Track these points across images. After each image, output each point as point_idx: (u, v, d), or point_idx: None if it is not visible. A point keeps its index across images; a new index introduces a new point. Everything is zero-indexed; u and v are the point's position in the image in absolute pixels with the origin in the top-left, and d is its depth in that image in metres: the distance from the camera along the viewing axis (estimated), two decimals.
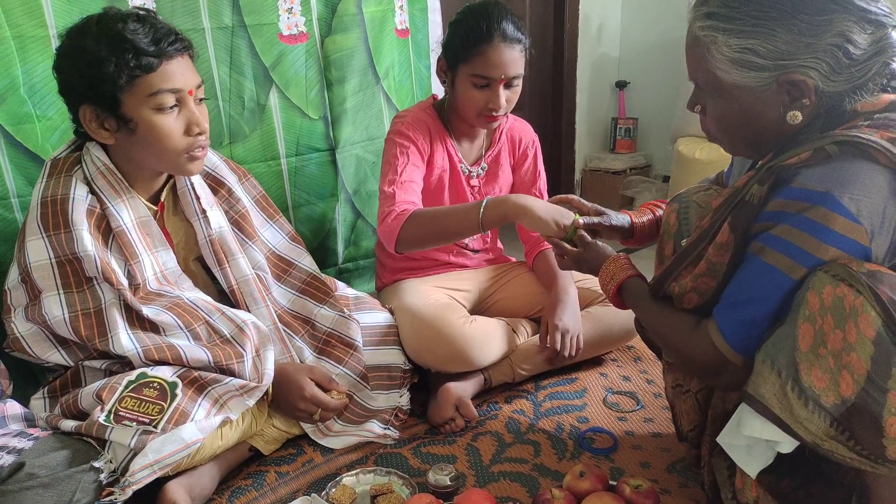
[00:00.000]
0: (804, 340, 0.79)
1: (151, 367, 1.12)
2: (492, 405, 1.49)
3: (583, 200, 1.37)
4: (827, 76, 0.85)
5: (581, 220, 1.28)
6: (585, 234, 1.25)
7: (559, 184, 3.34)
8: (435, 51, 2.21)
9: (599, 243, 1.24)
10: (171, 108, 1.15)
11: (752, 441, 0.85)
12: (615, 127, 3.40)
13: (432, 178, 1.60)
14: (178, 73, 1.15)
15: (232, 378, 1.16)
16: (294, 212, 1.94)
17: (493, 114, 1.49)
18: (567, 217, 1.28)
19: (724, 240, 0.93)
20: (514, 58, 1.45)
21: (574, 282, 1.67)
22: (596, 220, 1.31)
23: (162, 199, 1.30)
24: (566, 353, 1.48)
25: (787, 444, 0.82)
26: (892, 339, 0.73)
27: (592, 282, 1.67)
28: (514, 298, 1.71)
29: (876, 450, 0.75)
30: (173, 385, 1.10)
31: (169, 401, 1.08)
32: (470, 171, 1.65)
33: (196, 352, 1.15)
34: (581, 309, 1.63)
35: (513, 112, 1.76)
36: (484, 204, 1.30)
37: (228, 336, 1.20)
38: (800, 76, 0.86)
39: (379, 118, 2.06)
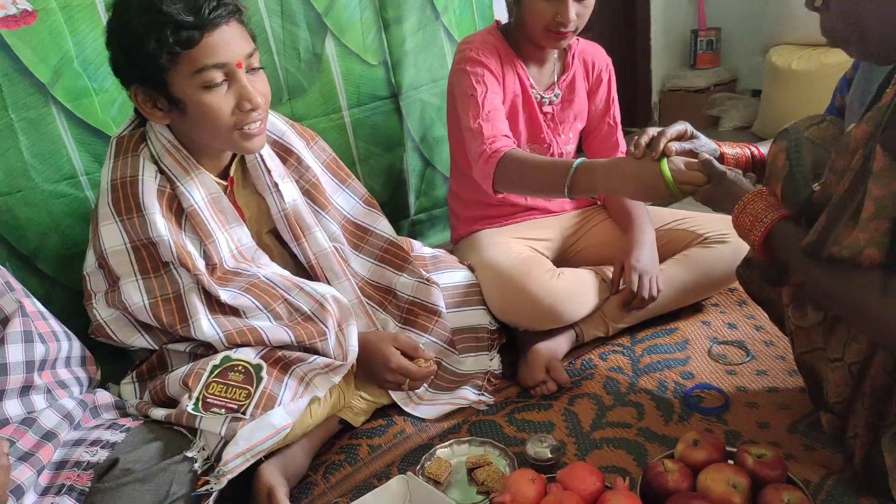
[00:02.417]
0: None
1: (234, 350, 1.08)
2: (586, 363, 1.40)
3: (655, 135, 1.13)
4: None
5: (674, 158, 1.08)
6: (715, 163, 1.05)
7: (636, 109, 3.10)
8: None
9: (732, 174, 1.03)
10: (221, 83, 1.05)
11: None
12: (695, 40, 3.11)
13: (505, 104, 1.48)
14: (222, 44, 1.03)
15: (316, 356, 1.11)
16: (360, 165, 1.86)
17: (562, 29, 1.37)
18: (658, 181, 1.07)
19: (882, 166, 0.79)
20: None
21: (670, 222, 1.54)
22: (686, 146, 1.12)
23: (231, 174, 1.23)
24: (644, 295, 1.37)
25: None
26: None
27: (690, 222, 1.53)
28: (600, 245, 1.59)
29: None
30: (258, 368, 1.06)
31: (255, 384, 1.04)
32: (542, 97, 1.53)
33: (278, 333, 1.10)
34: (678, 252, 1.50)
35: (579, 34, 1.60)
36: (571, 172, 1.15)
37: (309, 313, 1.15)
38: None
39: (441, 58, 1.92)
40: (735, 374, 1.31)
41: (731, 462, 1.01)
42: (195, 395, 1.03)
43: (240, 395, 1.03)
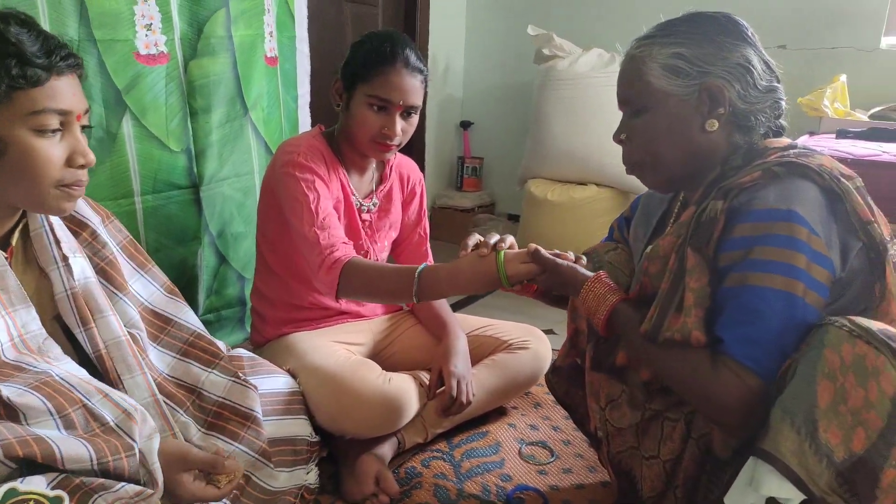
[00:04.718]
0: (823, 397, 0.81)
1: (21, 480, 0.84)
2: (409, 470, 1.37)
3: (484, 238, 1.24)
4: (738, 92, 1.02)
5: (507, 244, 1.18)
6: (542, 251, 1.15)
7: None
8: (303, 82, 2.09)
9: (563, 262, 1.14)
10: (54, 131, 0.95)
11: (757, 499, 0.85)
12: (462, 165, 3.46)
13: None
14: (68, 92, 0.96)
15: (124, 483, 0.92)
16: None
17: (388, 142, 1.42)
18: (496, 274, 1.16)
19: (694, 263, 0.97)
20: (414, 87, 1.41)
21: (476, 329, 1.63)
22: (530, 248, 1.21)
23: (12, 244, 1.03)
24: (463, 400, 1.42)
25: (795, 500, 0.83)
26: None
27: (494, 329, 1.64)
28: (411, 350, 1.62)
29: (868, 500, 0.79)
30: (57, 501, 0.84)
31: None
32: (362, 205, 1.55)
33: (73, 446, 0.88)
34: (485, 357, 1.59)
35: None
36: (417, 278, 1.19)
37: (112, 424, 0.95)
38: (719, 83, 1.01)
39: (247, 153, 1.86)
40: (546, 474, 1.40)
41: None
42: None
43: None
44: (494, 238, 1.21)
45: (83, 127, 1.01)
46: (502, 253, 1.17)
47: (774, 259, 0.90)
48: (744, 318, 0.91)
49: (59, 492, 0.85)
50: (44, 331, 1.03)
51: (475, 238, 1.26)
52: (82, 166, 0.99)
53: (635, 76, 1.06)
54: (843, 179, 0.96)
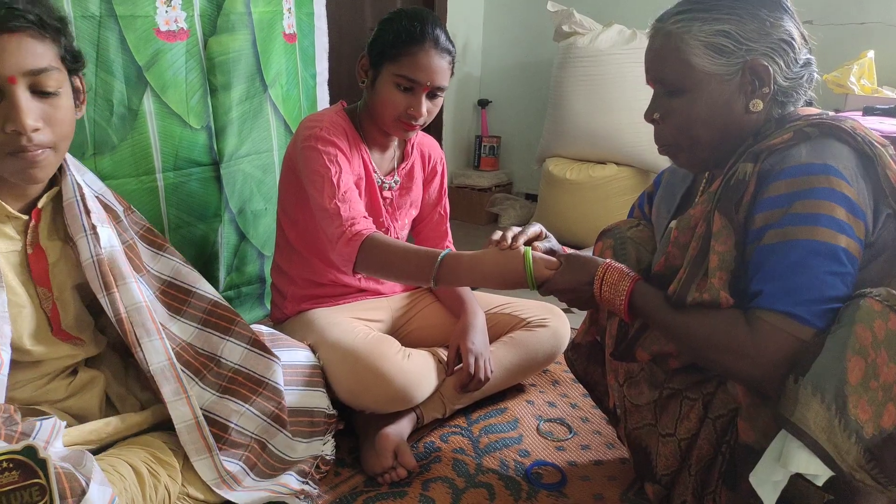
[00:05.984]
0: (854, 374, 0.80)
1: None
2: (428, 445, 1.39)
3: (517, 232, 1.21)
4: (781, 69, 0.99)
5: (536, 252, 1.15)
6: (561, 249, 1.16)
7: None
8: (321, 59, 2.08)
9: (580, 254, 1.13)
10: None
11: (784, 476, 0.85)
12: (479, 144, 3.44)
13: None
14: None
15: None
16: (170, 234, 1.68)
17: (412, 122, 1.41)
18: (520, 272, 1.13)
19: (719, 227, 0.96)
20: (442, 67, 1.39)
21: (495, 307, 1.64)
22: (546, 245, 1.22)
23: (39, 206, 1.07)
24: (480, 377, 1.43)
25: (823, 477, 0.83)
26: None
27: (512, 307, 1.64)
28: (430, 328, 1.62)
29: (894, 476, 0.78)
30: (30, 451, 0.82)
31: (45, 472, 0.82)
32: (383, 182, 1.55)
33: None
34: (503, 335, 1.59)
35: None
36: (438, 263, 1.18)
37: None
38: (764, 62, 0.97)
39: (266, 130, 1.86)
40: (564, 450, 1.40)
41: None
42: None
43: (32, 496, 0.81)
44: (513, 231, 1.18)
45: (43, 92, 0.97)
46: (530, 252, 1.13)
47: (816, 212, 0.89)
48: (787, 271, 0.89)
49: (28, 441, 0.85)
50: (6, 313, 1.03)
51: (498, 234, 1.24)
52: (17, 133, 0.95)
53: (672, 55, 1.00)
54: (875, 143, 0.95)
